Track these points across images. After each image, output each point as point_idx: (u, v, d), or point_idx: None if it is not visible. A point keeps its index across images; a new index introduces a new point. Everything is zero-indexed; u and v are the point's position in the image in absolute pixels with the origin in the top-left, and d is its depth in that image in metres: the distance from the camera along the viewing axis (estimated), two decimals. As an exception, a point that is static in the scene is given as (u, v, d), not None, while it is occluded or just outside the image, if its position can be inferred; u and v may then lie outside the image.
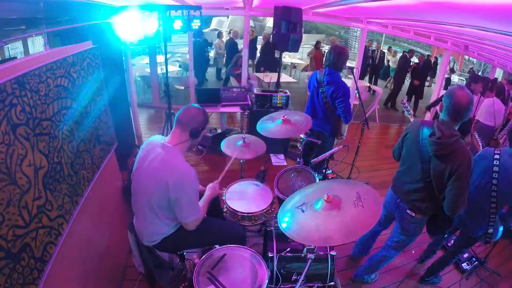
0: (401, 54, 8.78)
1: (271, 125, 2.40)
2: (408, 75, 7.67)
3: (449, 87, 1.72)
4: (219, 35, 8.41)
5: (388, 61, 10.22)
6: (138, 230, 1.74)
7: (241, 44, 9.35)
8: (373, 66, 8.93)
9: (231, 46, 7.55)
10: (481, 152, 2.05)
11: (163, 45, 3.42)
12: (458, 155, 1.57)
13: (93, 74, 2.02)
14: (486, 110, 4.15)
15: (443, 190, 1.67)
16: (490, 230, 2.01)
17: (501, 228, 2.09)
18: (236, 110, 4.23)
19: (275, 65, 7.34)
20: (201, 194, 1.87)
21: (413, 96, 7.13)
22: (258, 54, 8.70)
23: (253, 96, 4.22)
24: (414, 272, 2.60)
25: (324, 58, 7.55)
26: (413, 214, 1.87)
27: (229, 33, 8.48)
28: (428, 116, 5.07)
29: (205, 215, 2.13)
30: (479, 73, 10.87)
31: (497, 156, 1.91)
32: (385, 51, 9.95)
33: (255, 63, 8.30)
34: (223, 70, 8.30)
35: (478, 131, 4.17)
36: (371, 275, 2.40)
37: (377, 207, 1.37)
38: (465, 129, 3.22)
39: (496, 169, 1.89)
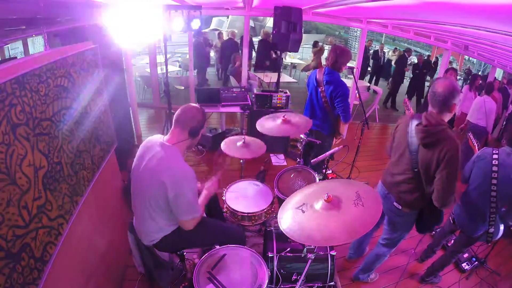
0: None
1: (271, 124, 2.40)
2: (408, 74, 7.68)
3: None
4: (219, 35, 8.41)
5: (390, 61, 10.20)
6: (137, 230, 1.74)
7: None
8: (376, 67, 8.88)
9: (230, 46, 7.51)
10: (479, 152, 2.06)
11: (163, 45, 3.42)
12: (445, 143, 1.55)
13: (93, 74, 2.02)
14: (477, 109, 4.07)
15: (431, 181, 1.66)
16: (491, 230, 2.01)
17: (501, 227, 2.09)
18: (236, 110, 4.23)
19: (272, 64, 7.34)
20: (200, 192, 1.87)
21: (414, 94, 7.15)
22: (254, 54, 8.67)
23: (253, 96, 4.23)
24: (414, 272, 2.60)
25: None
26: (400, 207, 1.86)
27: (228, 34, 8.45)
28: None
29: (205, 215, 2.13)
30: (479, 73, 10.86)
31: (495, 156, 1.91)
32: (386, 51, 9.92)
33: (253, 62, 8.26)
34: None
35: (470, 131, 4.17)
36: (370, 275, 2.40)
37: (377, 206, 1.37)
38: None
39: (495, 169, 1.89)
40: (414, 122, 1.72)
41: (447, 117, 1.63)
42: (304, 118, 2.50)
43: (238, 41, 7.56)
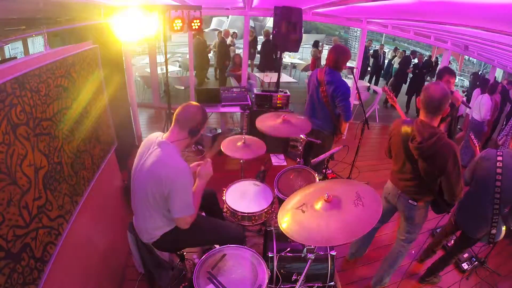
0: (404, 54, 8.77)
1: (271, 122, 2.40)
2: (410, 74, 7.72)
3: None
4: (218, 35, 8.43)
5: (390, 61, 10.20)
6: (137, 228, 1.74)
7: (240, 43, 9.36)
8: (376, 67, 8.86)
9: (222, 46, 7.51)
10: (483, 153, 2.06)
11: (163, 45, 3.42)
12: (442, 154, 1.64)
13: (93, 74, 2.02)
14: (472, 103, 4.37)
15: (437, 180, 1.77)
16: (493, 231, 2.01)
17: (503, 228, 2.09)
18: (236, 110, 4.23)
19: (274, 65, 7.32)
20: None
21: (415, 94, 7.15)
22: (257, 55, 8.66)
23: (253, 96, 4.22)
24: (414, 272, 2.60)
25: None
26: (415, 203, 1.94)
27: (220, 32, 8.42)
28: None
29: (204, 215, 2.13)
30: (479, 73, 10.87)
31: (499, 158, 1.92)
32: (387, 50, 9.91)
33: (258, 63, 8.26)
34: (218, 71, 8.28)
35: (470, 126, 4.32)
36: (390, 274, 2.34)
37: (377, 206, 1.37)
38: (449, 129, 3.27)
39: (499, 171, 1.89)
40: (406, 130, 1.78)
41: (438, 120, 1.72)
42: (303, 120, 2.50)
43: (234, 40, 7.55)
